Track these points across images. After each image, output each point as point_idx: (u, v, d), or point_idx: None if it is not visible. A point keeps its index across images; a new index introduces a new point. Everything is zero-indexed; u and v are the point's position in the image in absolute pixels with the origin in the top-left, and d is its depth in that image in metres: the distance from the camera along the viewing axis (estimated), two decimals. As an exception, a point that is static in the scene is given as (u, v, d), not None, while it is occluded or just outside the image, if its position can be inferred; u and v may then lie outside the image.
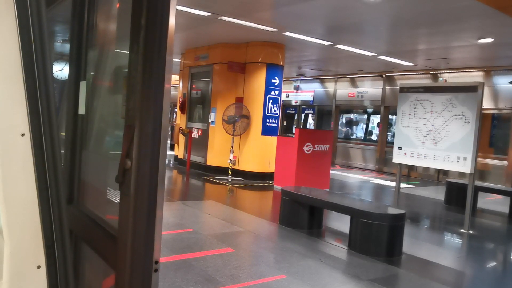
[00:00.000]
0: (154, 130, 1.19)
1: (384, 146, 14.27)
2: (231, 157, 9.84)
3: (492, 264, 5.17)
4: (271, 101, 10.19)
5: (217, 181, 9.67)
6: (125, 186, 1.23)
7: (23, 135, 1.19)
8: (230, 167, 9.84)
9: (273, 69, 10.20)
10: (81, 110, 1.85)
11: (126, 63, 1.27)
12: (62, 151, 1.85)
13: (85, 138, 1.89)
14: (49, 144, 1.22)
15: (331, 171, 9.77)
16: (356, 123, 16.41)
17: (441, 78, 12.62)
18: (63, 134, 1.93)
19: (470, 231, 6.38)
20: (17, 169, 1.19)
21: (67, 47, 2.01)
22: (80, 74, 1.87)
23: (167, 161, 12.10)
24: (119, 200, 1.29)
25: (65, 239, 1.24)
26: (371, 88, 14.63)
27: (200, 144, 11.10)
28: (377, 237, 4.86)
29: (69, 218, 1.33)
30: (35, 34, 1.23)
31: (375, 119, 15.31)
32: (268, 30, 8.69)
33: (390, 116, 14.25)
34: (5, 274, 1.19)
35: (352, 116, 16.62)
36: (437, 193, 9.99)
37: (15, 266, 1.20)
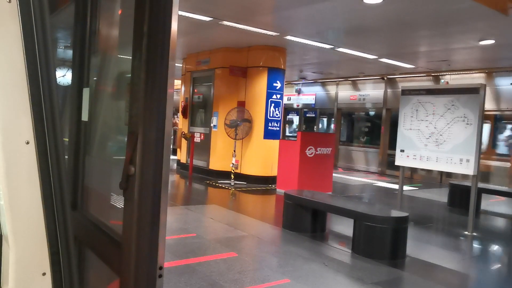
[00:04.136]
0: (158, 136, 1.19)
1: (387, 149, 14.25)
2: (233, 161, 9.84)
3: (496, 266, 5.15)
4: (273, 104, 10.20)
5: (220, 185, 9.67)
6: (129, 192, 1.24)
7: (28, 143, 1.20)
8: (232, 171, 9.84)
9: (275, 73, 10.21)
10: (85, 117, 1.85)
11: (128, 70, 1.27)
12: (66, 157, 1.86)
13: (89, 145, 1.90)
14: (54, 152, 1.22)
15: (333, 174, 9.76)
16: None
17: (442, 80, 12.61)
18: (66, 139, 1.94)
19: (474, 233, 6.35)
20: (22, 176, 1.19)
21: (69, 53, 2.02)
22: (83, 80, 1.88)
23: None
24: (122, 206, 1.30)
25: (70, 246, 1.25)
26: (372, 91, 14.63)
27: (203, 148, 11.11)
28: (381, 240, 4.85)
29: (73, 224, 1.34)
30: (39, 41, 1.24)
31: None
32: (269, 34, 8.71)
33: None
34: (10, 281, 1.20)
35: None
36: (440, 195, 9.96)
37: (21, 273, 1.20)
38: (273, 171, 9.93)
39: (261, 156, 10.16)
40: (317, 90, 16.70)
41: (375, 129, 15.19)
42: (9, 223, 1.20)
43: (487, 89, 9.82)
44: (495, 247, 5.95)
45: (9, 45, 1.21)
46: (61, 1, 2.07)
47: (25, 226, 1.20)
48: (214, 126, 10.68)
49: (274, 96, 10.23)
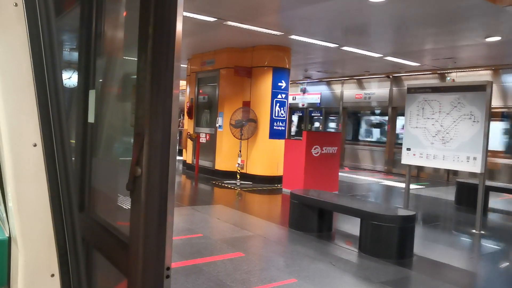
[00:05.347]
0: (163, 137, 1.19)
1: (393, 147, 14.20)
2: (239, 161, 9.85)
3: (505, 264, 5.11)
4: (278, 104, 10.20)
5: (226, 185, 9.68)
6: (136, 193, 1.24)
7: (35, 145, 1.21)
8: (238, 171, 9.84)
9: (280, 72, 10.21)
10: (91, 119, 1.86)
11: (134, 71, 1.28)
12: (73, 159, 1.87)
13: (95, 146, 1.91)
14: (61, 154, 1.23)
15: (339, 173, 9.74)
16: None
17: (448, 78, 12.54)
18: (73, 141, 1.95)
19: (482, 232, 6.31)
20: (30, 179, 1.20)
21: (75, 55, 2.03)
22: (89, 82, 1.89)
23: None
24: (129, 207, 1.30)
25: (78, 247, 1.26)
26: (378, 89, 14.58)
27: (208, 148, 11.13)
28: (388, 239, 4.83)
29: (81, 225, 1.34)
30: (45, 43, 1.25)
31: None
32: (273, 34, 8.71)
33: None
34: (19, 282, 1.21)
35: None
36: (447, 194, 9.91)
37: (29, 274, 1.21)
38: (279, 171, 9.93)
39: (266, 156, 10.16)
40: (322, 89, 16.66)
41: (381, 127, 15.15)
42: (18, 225, 1.21)
43: (494, 86, 9.76)
44: (503, 245, 5.91)
45: (16, 48, 1.22)
46: (67, 4, 2.08)
47: (33, 228, 1.21)
48: (220, 126, 10.69)
49: (279, 96, 10.22)
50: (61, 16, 2.03)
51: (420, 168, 12.98)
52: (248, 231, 5.73)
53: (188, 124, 12.19)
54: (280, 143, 9.91)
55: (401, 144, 7.54)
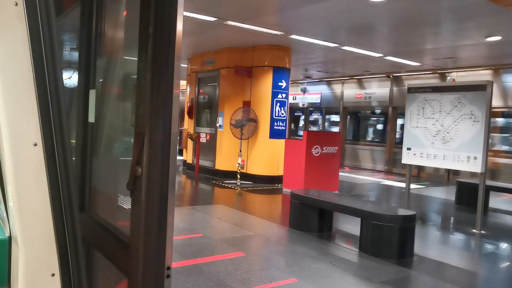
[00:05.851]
0: (164, 137, 1.19)
1: (393, 147, 14.19)
2: (239, 161, 9.85)
3: (505, 264, 5.11)
4: (278, 104, 10.20)
5: (226, 185, 9.68)
6: (136, 193, 1.24)
7: (35, 145, 1.21)
8: (238, 171, 9.84)
9: (280, 72, 10.21)
10: (91, 118, 1.86)
11: (134, 71, 1.28)
12: (73, 158, 1.87)
13: (96, 146, 1.91)
14: (61, 153, 1.23)
15: (340, 173, 9.73)
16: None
17: (449, 78, 12.54)
18: (73, 141, 1.94)
19: (482, 231, 6.31)
20: (30, 178, 1.21)
21: (75, 55, 2.03)
22: (90, 82, 1.89)
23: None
24: (130, 207, 1.30)
25: (78, 247, 1.26)
26: (378, 89, 14.57)
27: (209, 148, 11.13)
28: (388, 239, 4.83)
29: (81, 225, 1.34)
30: (46, 44, 1.25)
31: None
32: (274, 34, 8.71)
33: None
34: (20, 282, 1.21)
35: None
36: (448, 194, 9.91)
37: (30, 274, 1.21)
38: (279, 171, 9.93)
39: (267, 156, 10.16)
40: (323, 89, 16.66)
41: (382, 127, 15.15)
42: (18, 224, 1.21)
43: (494, 86, 9.75)
44: (503, 245, 5.91)
45: (16, 48, 1.22)
46: (67, 3, 2.08)
47: (34, 228, 1.21)
48: (220, 126, 10.69)
49: (280, 96, 10.22)
50: (61, 15, 2.03)
51: (420, 168, 12.98)
52: (249, 231, 5.73)
53: (188, 124, 12.20)
54: (281, 143, 9.90)
55: (401, 143, 7.53)
